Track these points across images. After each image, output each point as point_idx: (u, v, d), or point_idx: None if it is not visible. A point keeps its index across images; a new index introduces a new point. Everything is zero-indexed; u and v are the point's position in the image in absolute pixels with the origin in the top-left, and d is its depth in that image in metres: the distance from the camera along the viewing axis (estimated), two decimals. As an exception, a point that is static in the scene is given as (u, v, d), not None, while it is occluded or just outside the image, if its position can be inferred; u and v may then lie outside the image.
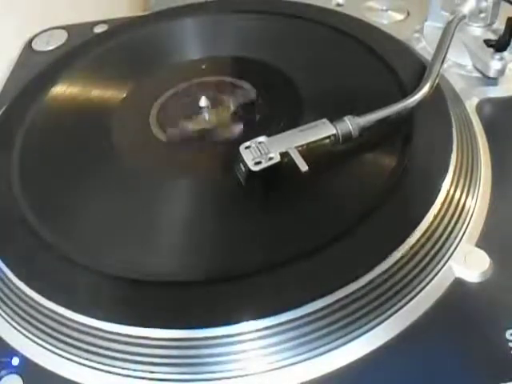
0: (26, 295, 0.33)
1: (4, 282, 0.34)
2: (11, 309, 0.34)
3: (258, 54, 0.47)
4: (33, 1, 0.58)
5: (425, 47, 0.48)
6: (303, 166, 0.34)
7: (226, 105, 0.44)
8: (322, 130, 0.36)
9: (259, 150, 0.35)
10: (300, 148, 0.35)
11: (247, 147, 0.35)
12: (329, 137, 0.36)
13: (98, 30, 0.55)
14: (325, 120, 0.37)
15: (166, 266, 0.33)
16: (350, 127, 0.36)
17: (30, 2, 0.57)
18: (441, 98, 0.40)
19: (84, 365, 0.31)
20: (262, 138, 0.36)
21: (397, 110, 0.37)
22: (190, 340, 0.30)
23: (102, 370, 0.31)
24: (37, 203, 0.37)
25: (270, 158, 0.35)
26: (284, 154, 0.35)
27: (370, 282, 0.31)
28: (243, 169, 0.35)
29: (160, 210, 0.37)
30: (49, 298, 0.32)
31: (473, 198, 0.36)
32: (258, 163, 0.35)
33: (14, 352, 0.32)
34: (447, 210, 0.34)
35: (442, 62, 0.41)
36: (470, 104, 0.42)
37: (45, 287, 0.33)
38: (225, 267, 0.32)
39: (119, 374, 0.30)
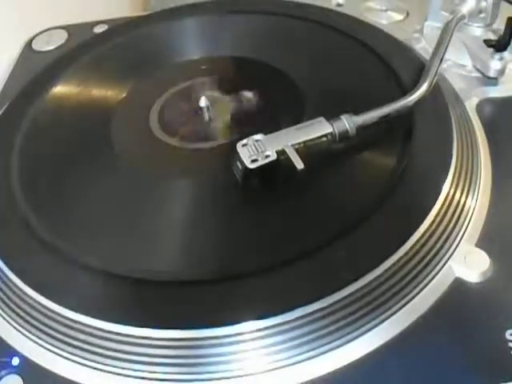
0: (26, 295, 0.33)
1: (4, 281, 0.34)
2: (11, 309, 0.34)
3: (257, 53, 0.47)
4: (33, 1, 0.58)
5: (424, 47, 0.48)
6: (299, 164, 0.34)
7: (225, 105, 0.44)
8: (318, 129, 0.36)
9: (256, 148, 0.35)
10: (297, 146, 0.35)
11: (244, 145, 0.36)
12: (326, 135, 0.36)
13: (98, 29, 0.55)
14: (321, 118, 0.37)
15: (166, 265, 0.33)
16: (347, 126, 0.36)
17: (30, 1, 0.57)
18: (441, 98, 0.40)
19: (84, 365, 0.31)
20: (258, 136, 0.36)
21: (394, 109, 0.37)
22: (190, 340, 0.30)
23: (102, 370, 0.31)
24: (37, 203, 0.37)
25: (267, 156, 0.35)
26: (280, 152, 0.35)
27: (371, 282, 0.31)
28: (240, 166, 0.35)
29: (160, 210, 0.37)
30: (49, 298, 0.32)
31: (473, 198, 0.36)
32: (255, 161, 0.35)
33: (13, 352, 0.32)
34: (447, 210, 0.34)
35: (441, 61, 0.41)
36: (470, 104, 0.42)
37: (45, 287, 0.33)
38: (225, 267, 0.32)
39: (119, 374, 0.30)
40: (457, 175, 0.35)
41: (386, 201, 0.34)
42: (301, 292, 0.30)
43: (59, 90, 0.46)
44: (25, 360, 0.32)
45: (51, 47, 0.54)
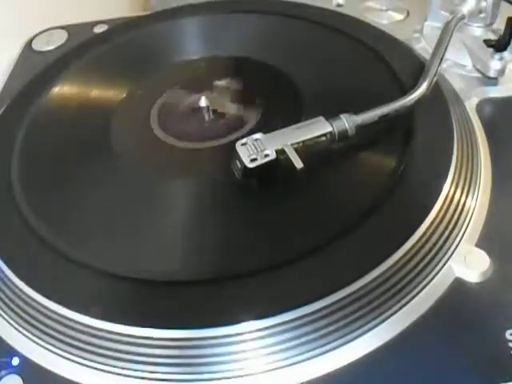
0: (26, 295, 0.33)
1: (4, 282, 0.34)
2: (11, 309, 0.34)
3: (258, 53, 0.47)
4: (33, 1, 0.58)
5: (424, 47, 0.48)
6: (298, 164, 0.34)
7: (225, 104, 0.44)
8: (317, 128, 0.36)
9: (255, 147, 0.35)
10: (296, 145, 0.35)
11: (243, 144, 0.36)
12: (325, 134, 0.36)
13: (98, 30, 0.55)
14: (321, 118, 0.37)
15: (165, 265, 0.33)
16: (347, 125, 0.36)
17: (30, 1, 0.57)
18: (441, 98, 0.40)
19: (84, 365, 0.31)
20: (257, 135, 0.36)
21: (394, 109, 0.37)
22: (190, 340, 0.30)
23: (102, 370, 0.31)
24: (37, 203, 0.37)
25: (266, 155, 0.35)
26: (280, 151, 0.35)
27: (370, 282, 0.31)
28: (239, 165, 0.35)
29: (160, 210, 0.37)
30: (49, 298, 0.32)
31: (473, 198, 0.36)
32: (254, 160, 0.35)
33: (14, 352, 0.32)
34: (447, 210, 0.34)
35: (441, 61, 0.41)
36: (470, 104, 0.42)
37: (45, 287, 0.33)
38: (224, 267, 0.32)
39: (119, 374, 0.30)
40: (457, 175, 0.35)
41: (386, 201, 0.34)
42: (300, 292, 0.30)
43: (59, 90, 0.46)
44: (25, 360, 0.32)
45: (51, 47, 0.54)
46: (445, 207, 0.34)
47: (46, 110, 0.45)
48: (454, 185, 0.35)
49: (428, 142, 0.37)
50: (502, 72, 0.43)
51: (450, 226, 0.34)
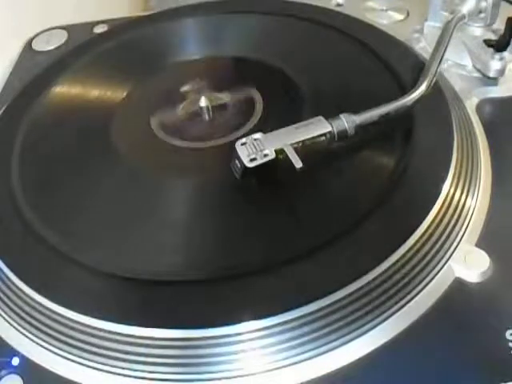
0: (26, 295, 0.33)
1: (4, 281, 0.34)
2: (11, 309, 0.34)
3: (258, 53, 0.47)
4: (33, 1, 0.58)
5: (425, 47, 0.48)
6: (298, 163, 0.34)
7: (225, 104, 0.44)
8: (317, 128, 0.36)
9: (254, 147, 0.35)
10: (296, 145, 0.35)
11: (243, 144, 0.36)
12: (324, 134, 0.36)
13: (98, 30, 0.55)
14: (320, 117, 0.37)
15: (165, 265, 0.33)
16: (346, 125, 0.36)
17: (30, 1, 0.57)
18: (441, 98, 0.40)
19: (84, 365, 0.31)
20: (257, 135, 0.36)
21: (393, 109, 0.37)
22: (190, 340, 0.30)
23: (101, 370, 0.31)
24: (37, 203, 0.37)
25: (265, 155, 0.35)
26: (279, 151, 0.35)
27: (370, 282, 0.31)
28: (239, 165, 0.35)
29: (160, 210, 0.37)
30: (49, 298, 0.32)
31: (473, 198, 0.36)
32: (254, 160, 0.35)
33: (14, 352, 0.32)
34: (447, 210, 0.34)
35: (440, 60, 0.41)
36: (470, 104, 0.42)
37: (45, 287, 0.33)
38: (225, 267, 0.32)
39: (119, 374, 0.30)
40: (457, 175, 0.35)
41: (386, 200, 0.34)
42: (300, 292, 0.30)
43: (59, 89, 0.46)
44: (25, 360, 0.32)
45: (51, 47, 0.54)
46: (445, 207, 0.34)
47: (46, 110, 0.45)
48: (453, 185, 0.35)
49: (428, 142, 0.37)
50: (501, 72, 0.43)
51: (450, 226, 0.34)
